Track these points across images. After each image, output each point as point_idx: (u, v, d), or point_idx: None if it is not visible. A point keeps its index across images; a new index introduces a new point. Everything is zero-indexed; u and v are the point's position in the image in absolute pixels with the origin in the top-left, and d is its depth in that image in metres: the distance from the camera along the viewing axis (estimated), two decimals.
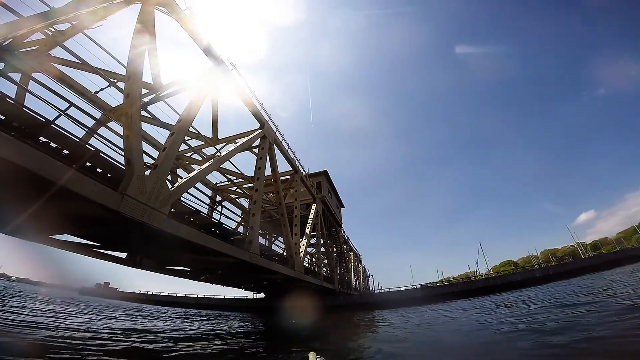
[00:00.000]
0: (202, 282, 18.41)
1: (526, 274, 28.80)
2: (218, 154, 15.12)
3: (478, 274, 64.03)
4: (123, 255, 12.25)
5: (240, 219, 20.41)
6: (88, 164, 6.47)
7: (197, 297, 39.41)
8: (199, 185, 15.20)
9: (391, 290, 30.12)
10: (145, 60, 9.15)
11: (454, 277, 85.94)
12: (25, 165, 4.32)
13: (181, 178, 8.07)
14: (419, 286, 34.96)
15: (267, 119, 15.76)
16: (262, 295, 34.28)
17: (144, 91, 12.24)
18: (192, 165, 16.82)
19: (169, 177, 7.32)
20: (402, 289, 31.30)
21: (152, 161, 8.43)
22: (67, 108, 5.82)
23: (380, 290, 44.74)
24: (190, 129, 12.99)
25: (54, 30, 10.32)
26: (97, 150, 6.19)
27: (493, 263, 77.65)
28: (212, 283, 20.17)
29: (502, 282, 26.81)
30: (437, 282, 64.56)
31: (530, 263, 66.97)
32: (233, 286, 24.47)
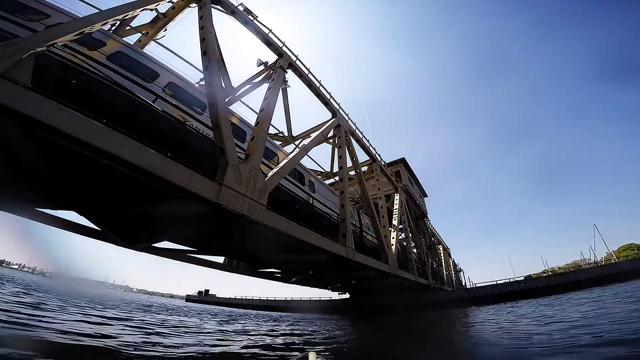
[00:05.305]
0: (292, 284, 18.16)
1: None
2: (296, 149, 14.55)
3: (592, 261, 53.28)
4: (220, 259, 12.34)
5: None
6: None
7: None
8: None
9: (498, 283, 26.26)
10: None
11: (559, 267, 73.70)
12: (124, 156, 3.81)
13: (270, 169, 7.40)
14: (522, 278, 30.35)
15: (337, 107, 14.70)
16: (347, 295, 33.53)
17: None
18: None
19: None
20: (498, 282, 27.27)
21: None
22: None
23: (474, 285, 40.41)
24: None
25: None
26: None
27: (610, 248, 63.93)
28: (302, 285, 19.73)
29: None
30: (543, 273, 55.75)
31: None
32: (320, 287, 23.85)
